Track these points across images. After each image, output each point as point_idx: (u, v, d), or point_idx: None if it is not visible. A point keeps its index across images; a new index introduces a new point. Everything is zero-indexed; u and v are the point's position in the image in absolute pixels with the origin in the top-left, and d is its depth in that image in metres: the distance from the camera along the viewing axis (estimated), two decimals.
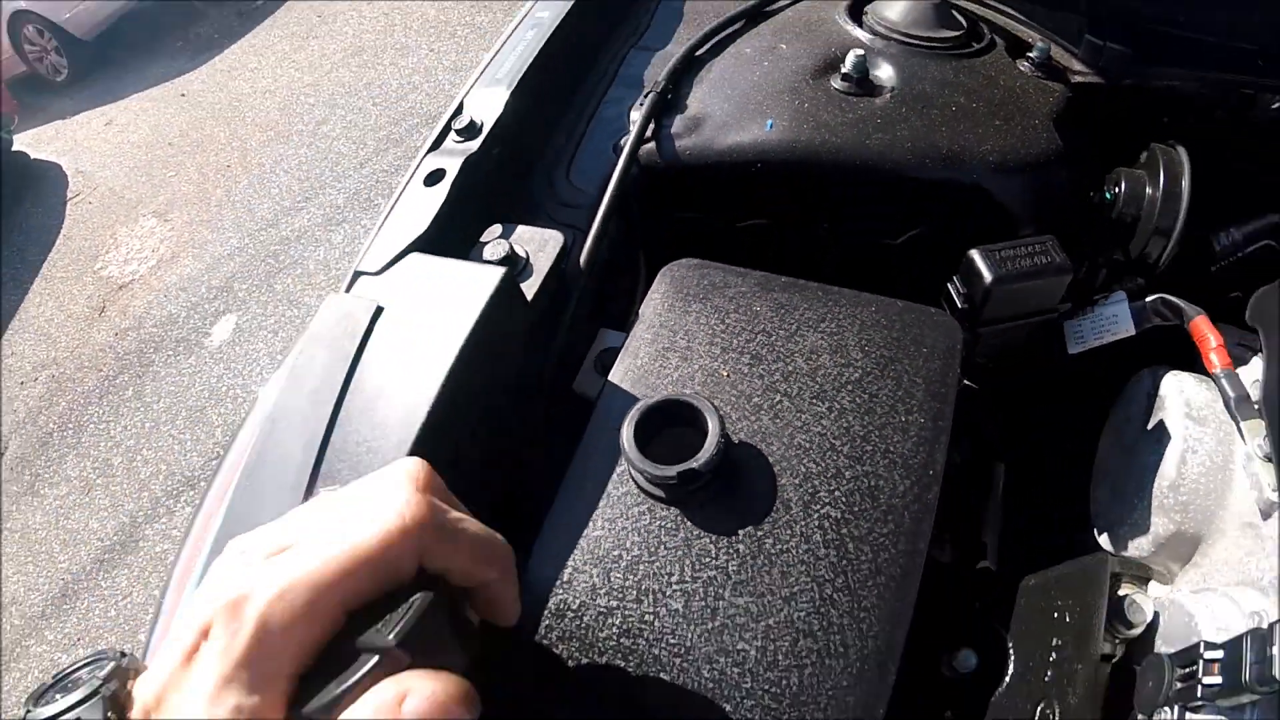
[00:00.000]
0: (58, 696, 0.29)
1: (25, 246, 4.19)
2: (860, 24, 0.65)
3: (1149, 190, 0.61)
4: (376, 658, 0.26)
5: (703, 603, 0.36)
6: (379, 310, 0.45)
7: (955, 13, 0.67)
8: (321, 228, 3.38)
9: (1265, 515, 0.48)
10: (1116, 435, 0.65)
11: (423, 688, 0.27)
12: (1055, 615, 0.47)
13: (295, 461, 0.42)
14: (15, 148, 5.02)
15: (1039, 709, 0.45)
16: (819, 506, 0.38)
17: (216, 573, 0.29)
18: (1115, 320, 0.64)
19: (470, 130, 0.55)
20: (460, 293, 0.45)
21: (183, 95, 5.11)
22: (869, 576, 0.37)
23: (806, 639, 0.35)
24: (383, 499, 0.29)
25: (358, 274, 0.49)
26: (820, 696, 0.34)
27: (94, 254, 3.87)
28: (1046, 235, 0.52)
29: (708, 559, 0.37)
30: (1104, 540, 0.61)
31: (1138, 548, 0.56)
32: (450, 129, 0.56)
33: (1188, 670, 0.43)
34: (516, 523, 0.37)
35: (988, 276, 0.50)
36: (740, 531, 0.37)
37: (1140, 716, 0.46)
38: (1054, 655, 0.46)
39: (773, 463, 0.39)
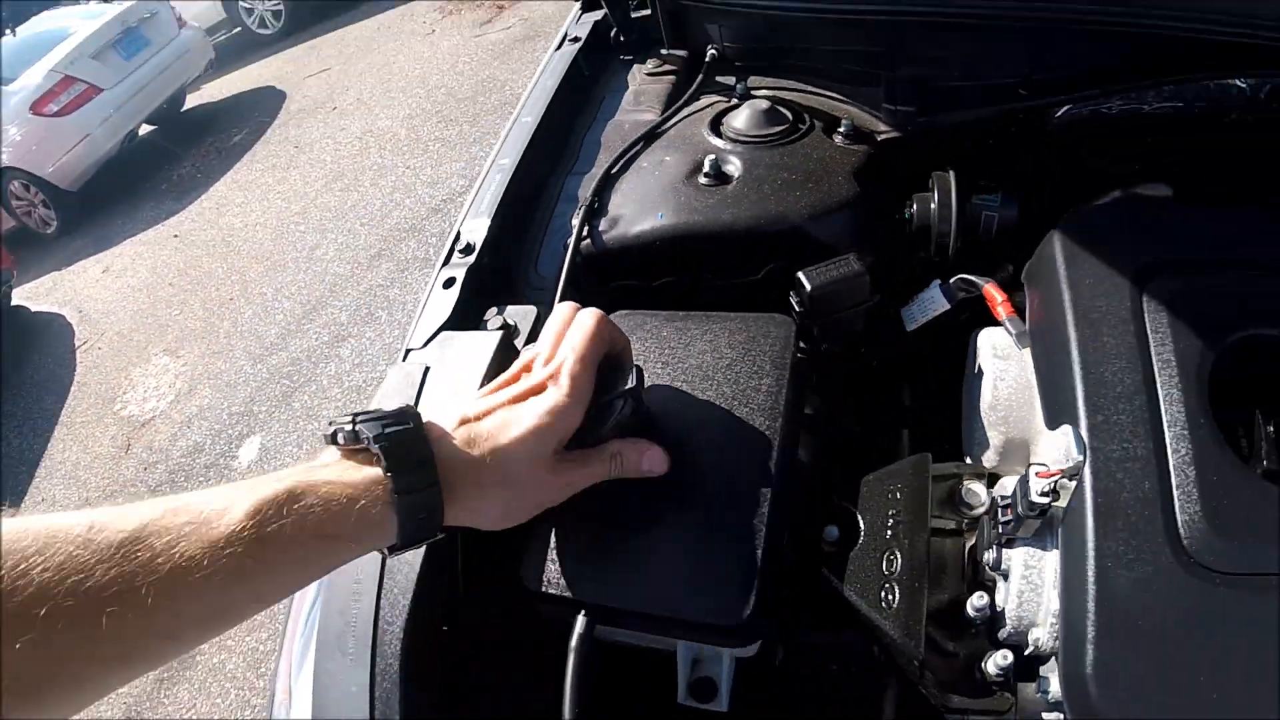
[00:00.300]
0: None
1: (40, 396, 4.35)
2: (718, 134, 0.93)
3: (931, 206, 0.86)
4: (624, 397, 0.58)
5: (643, 498, 0.60)
6: (427, 369, 0.72)
7: (784, 109, 0.94)
8: (329, 345, 3.63)
9: None
10: (966, 385, 0.89)
11: (655, 449, 0.58)
12: (890, 495, 0.67)
13: None
14: (14, 302, 5.16)
15: (884, 556, 0.64)
16: (708, 439, 0.63)
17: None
18: (933, 301, 0.87)
19: (468, 249, 0.84)
20: (477, 352, 0.72)
21: (175, 236, 5.37)
22: (741, 474, 0.61)
23: (707, 511, 0.59)
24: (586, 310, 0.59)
25: (408, 350, 0.76)
26: (716, 543, 0.57)
27: (111, 396, 4.04)
28: (849, 253, 0.78)
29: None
30: (969, 460, 0.81)
31: (988, 460, 0.74)
32: (455, 249, 0.85)
33: (995, 519, 0.64)
34: None
35: (808, 286, 0.75)
36: (673, 454, 0.61)
37: (981, 561, 0.66)
38: (891, 520, 0.66)
39: (680, 419, 0.64)
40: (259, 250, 4.68)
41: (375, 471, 0.47)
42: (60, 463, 3.82)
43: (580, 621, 0.57)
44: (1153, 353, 0.63)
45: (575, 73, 1.11)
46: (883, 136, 0.95)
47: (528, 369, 0.58)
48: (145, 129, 7.43)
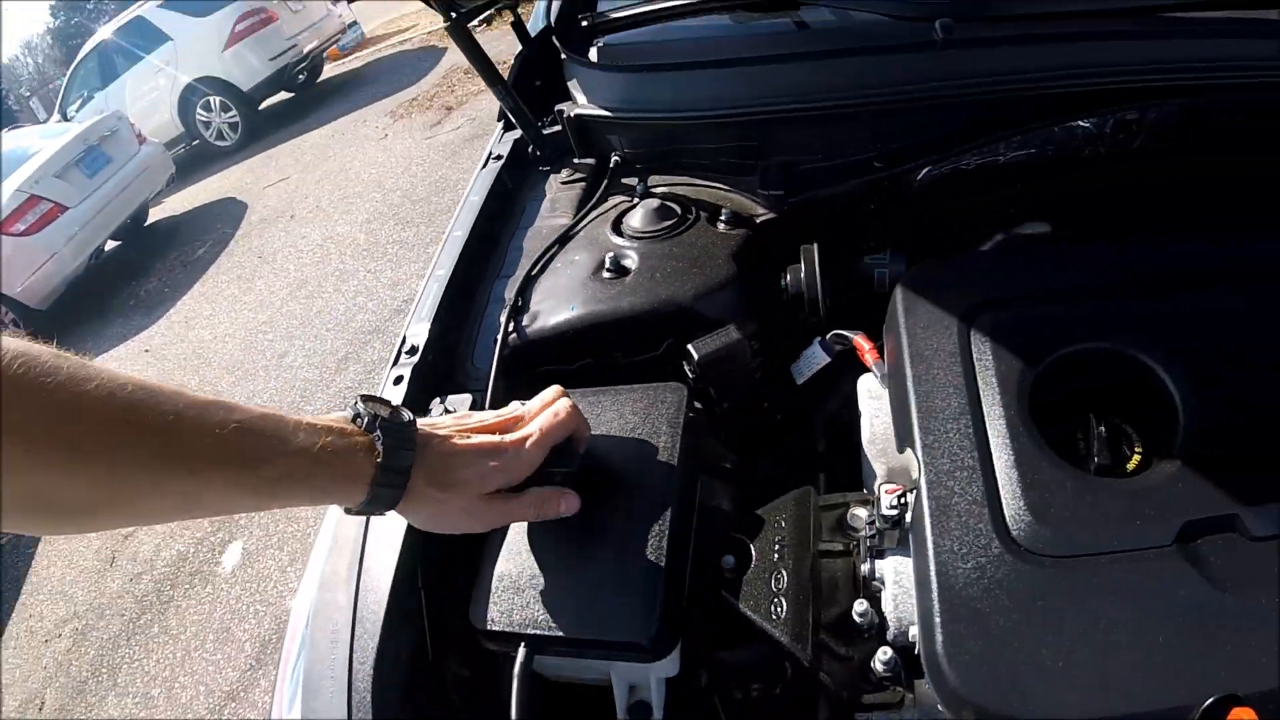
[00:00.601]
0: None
1: None
2: (619, 233, 1.09)
3: (801, 275, 1.00)
4: (560, 474, 0.72)
5: (567, 544, 0.74)
6: None
7: (674, 205, 1.09)
8: None
9: None
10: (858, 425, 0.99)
11: (570, 495, 0.73)
12: (778, 524, 0.78)
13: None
14: None
15: (773, 576, 0.74)
16: (617, 490, 0.76)
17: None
18: (815, 356, 1.01)
19: (413, 350, 0.99)
20: None
21: (146, 350, 5.40)
22: (645, 517, 0.73)
23: (617, 550, 0.72)
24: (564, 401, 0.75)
25: None
26: (625, 575, 0.69)
27: None
28: (730, 324, 0.93)
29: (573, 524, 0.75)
30: (866, 493, 0.89)
31: (876, 488, 0.80)
32: (402, 351, 0.99)
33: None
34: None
35: (695, 355, 0.90)
36: (588, 505, 0.75)
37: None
38: (778, 545, 0.76)
39: (594, 475, 0.77)
40: (229, 360, 4.74)
41: (369, 465, 0.63)
42: (45, 579, 3.80)
43: (520, 652, 0.69)
44: (977, 379, 0.74)
45: (499, 187, 1.28)
46: (760, 219, 1.10)
47: (512, 423, 0.74)
48: (111, 245, 7.49)
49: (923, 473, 0.70)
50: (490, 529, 0.73)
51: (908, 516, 0.72)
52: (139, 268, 7.10)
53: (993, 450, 0.69)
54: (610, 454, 0.80)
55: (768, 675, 0.75)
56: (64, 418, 0.50)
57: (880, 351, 0.91)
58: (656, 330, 0.97)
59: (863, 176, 1.09)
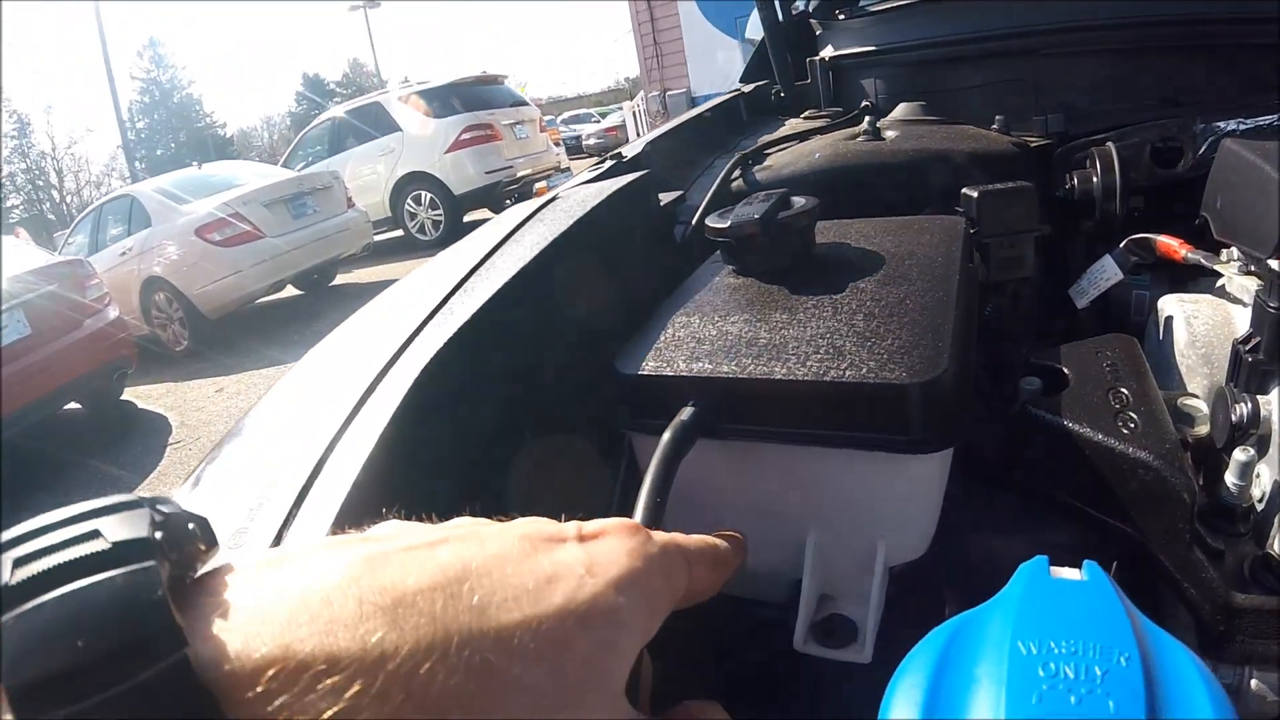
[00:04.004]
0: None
1: (122, 475, 4.40)
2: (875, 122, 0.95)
3: (1094, 179, 0.83)
4: None
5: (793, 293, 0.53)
6: None
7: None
8: None
9: None
10: (1149, 348, 0.71)
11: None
12: (1100, 354, 0.58)
13: None
14: (123, 397, 5.35)
15: (1108, 393, 0.52)
16: (876, 275, 0.55)
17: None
18: (1104, 271, 0.81)
19: (618, 157, 0.86)
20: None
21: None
22: (922, 283, 0.51)
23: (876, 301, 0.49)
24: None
25: None
26: (895, 315, 0.47)
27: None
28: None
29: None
30: None
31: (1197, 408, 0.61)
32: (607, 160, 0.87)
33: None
34: None
35: (974, 193, 0.70)
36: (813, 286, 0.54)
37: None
38: (1108, 364, 0.55)
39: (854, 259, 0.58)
40: None
41: None
42: None
43: (687, 411, 0.44)
44: None
45: (733, 108, 1.19)
46: (1034, 144, 0.93)
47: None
48: (293, 293, 8.02)
49: None
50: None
51: None
52: (313, 314, 7.52)
53: None
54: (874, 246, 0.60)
55: None
56: None
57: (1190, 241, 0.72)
58: (918, 188, 0.79)
59: (1132, 123, 0.90)
